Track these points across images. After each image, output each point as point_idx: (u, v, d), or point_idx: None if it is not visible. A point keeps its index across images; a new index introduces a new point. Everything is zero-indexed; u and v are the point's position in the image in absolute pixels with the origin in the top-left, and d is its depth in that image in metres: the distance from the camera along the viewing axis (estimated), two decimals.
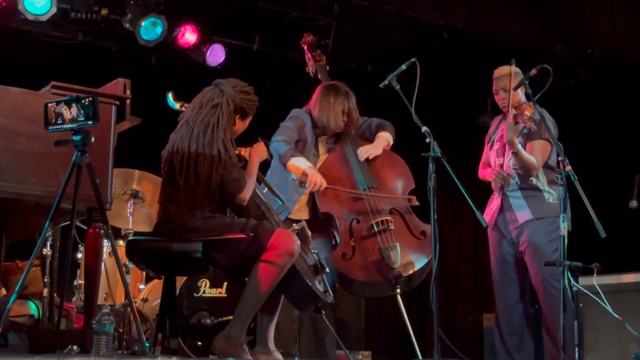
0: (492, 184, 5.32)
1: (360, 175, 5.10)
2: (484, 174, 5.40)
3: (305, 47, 5.70)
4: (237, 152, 4.33)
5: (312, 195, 5.10)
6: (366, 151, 5.17)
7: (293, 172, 4.95)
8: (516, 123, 4.81)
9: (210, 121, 4.16)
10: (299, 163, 4.94)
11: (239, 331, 4.05)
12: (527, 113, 4.80)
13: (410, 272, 4.91)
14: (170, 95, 4.50)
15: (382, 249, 4.89)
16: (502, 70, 5.26)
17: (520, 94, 5.17)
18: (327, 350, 5.10)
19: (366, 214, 5.01)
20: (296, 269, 4.10)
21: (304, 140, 5.11)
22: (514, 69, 5.20)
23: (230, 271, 4.27)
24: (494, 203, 5.32)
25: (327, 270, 4.46)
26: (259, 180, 4.43)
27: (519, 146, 4.97)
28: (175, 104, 4.48)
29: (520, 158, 5.01)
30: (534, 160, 5.06)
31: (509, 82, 5.15)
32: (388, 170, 5.22)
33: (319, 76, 5.57)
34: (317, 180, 4.90)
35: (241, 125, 4.35)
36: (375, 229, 4.95)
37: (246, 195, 4.18)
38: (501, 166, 5.23)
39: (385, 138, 5.26)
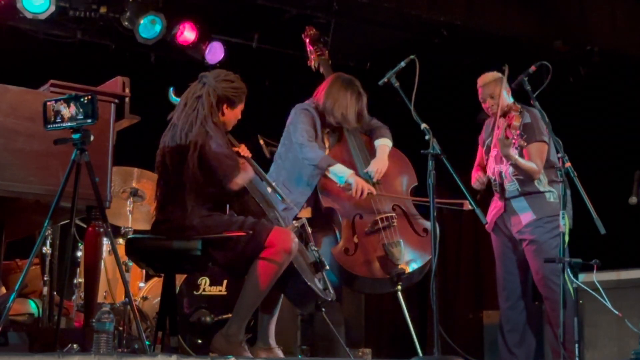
0: (493, 187, 5.33)
1: (364, 171, 5.09)
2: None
3: (307, 41, 5.68)
4: (236, 149, 4.33)
5: (314, 191, 5.09)
6: (378, 171, 5.09)
7: (334, 179, 4.89)
8: (507, 136, 4.85)
9: (190, 116, 4.16)
10: (338, 178, 4.88)
11: (238, 329, 4.05)
12: (516, 123, 4.83)
13: (413, 269, 4.91)
14: (171, 91, 4.49)
15: (386, 245, 4.88)
16: (486, 78, 5.27)
17: (507, 97, 5.18)
18: (338, 347, 5.08)
19: (370, 210, 5.00)
20: (294, 267, 4.10)
21: (315, 134, 5.08)
22: (497, 74, 5.23)
23: (229, 269, 4.27)
24: (495, 206, 5.32)
25: (327, 267, 4.46)
26: (261, 178, 4.42)
27: (516, 156, 4.98)
28: (178, 99, 4.47)
29: (520, 168, 5.04)
30: (533, 165, 5.07)
31: (494, 88, 5.19)
32: (391, 167, 5.20)
33: (321, 70, 5.54)
34: (363, 189, 4.86)
35: (232, 115, 4.31)
36: (380, 225, 4.94)
37: (240, 180, 4.15)
38: (500, 173, 5.23)
39: (386, 145, 5.22)
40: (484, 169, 5.38)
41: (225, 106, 4.26)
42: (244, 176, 4.20)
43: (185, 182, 4.09)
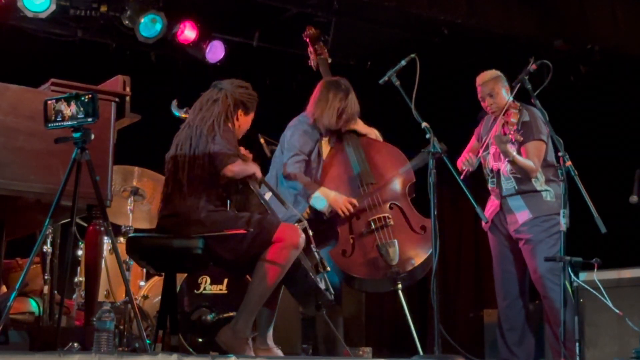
0: (489, 187, 5.33)
1: (359, 172, 5.09)
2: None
3: (308, 40, 5.68)
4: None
5: None
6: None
7: (319, 204, 4.91)
8: (504, 132, 4.85)
9: (206, 116, 4.22)
10: (319, 203, 4.90)
11: (245, 325, 4.05)
12: (513, 120, 4.83)
13: (410, 268, 4.90)
14: (174, 103, 4.50)
15: (379, 245, 4.88)
16: (485, 76, 5.28)
17: (506, 95, 5.18)
18: (339, 348, 5.08)
19: (365, 211, 5.01)
20: (301, 264, 4.11)
21: (311, 151, 5.06)
22: (496, 72, 5.23)
23: (234, 267, 4.27)
24: (492, 205, 5.33)
25: (329, 268, 4.46)
26: (260, 183, 4.43)
27: (514, 153, 4.99)
28: (179, 113, 4.47)
29: (518, 165, 5.04)
30: (531, 163, 5.08)
31: (492, 86, 5.20)
32: (388, 165, 5.20)
33: (321, 70, 5.55)
34: (345, 207, 4.89)
35: (244, 121, 4.38)
36: (373, 226, 4.95)
37: (235, 168, 4.15)
38: (498, 171, 5.23)
39: (372, 131, 5.26)
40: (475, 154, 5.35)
41: (240, 111, 4.33)
42: (242, 166, 4.19)
43: (195, 177, 4.12)
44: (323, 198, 4.89)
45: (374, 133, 5.28)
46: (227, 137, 4.20)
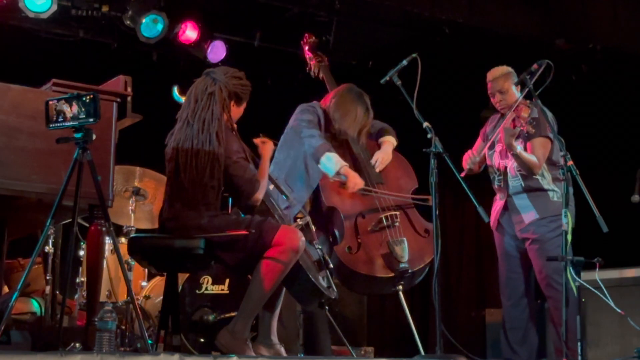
0: (495, 186, 5.32)
1: (368, 172, 5.10)
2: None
3: (307, 48, 5.69)
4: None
5: (315, 190, 5.09)
6: (381, 160, 5.15)
7: (329, 166, 4.87)
8: (514, 126, 4.83)
9: (206, 115, 4.14)
10: (335, 160, 4.87)
11: (243, 327, 4.05)
12: (524, 115, 4.81)
13: (418, 267, 4.92)
14: (175, 89, 4.49)
15: (390, 242, 4.90)
16: (495, 73, 5.25)
17: (516, 92, 5.17)
18: (324, 346, 5.08)
19: (373, 209, 5.02)
20: (300, 265, 4.10)
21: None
22: (507, 69, 5.22)
23: (236, 270, 4.26)
24: (497, 205, 5.32)
25: (331, 265, 4.46)
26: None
27: (519, 148, 4.98)
28: (181, 98, 4.46)
29: (522, 159, 5.03)
30: (534, 159, 5.06)
31: (503, 83, 5.18)
32: (393, 170, 5.24)
33: (321, 76, 5.55)
34: (357, 181, 4.88)
35: (237, 112, 4.31)
36: (385, 223, 4.95)
37: (260, 195, 4.18)
38: (505, 168, 5.22)
39: (391, 142, 5.26)
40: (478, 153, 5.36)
41: (232, 103, 4.25)
42: (263, 188, 4.21)
43: (196, 182, 4.08)
44: (337, 162, 4.86)
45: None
46: (236, 148, 4.15)
